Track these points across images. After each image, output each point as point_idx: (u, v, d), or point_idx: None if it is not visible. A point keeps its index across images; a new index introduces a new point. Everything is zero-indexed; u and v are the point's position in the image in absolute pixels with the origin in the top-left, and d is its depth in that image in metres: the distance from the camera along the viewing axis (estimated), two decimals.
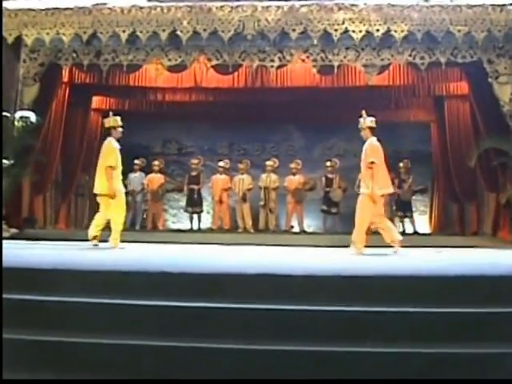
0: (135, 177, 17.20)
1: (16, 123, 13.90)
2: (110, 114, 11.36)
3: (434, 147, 18.32)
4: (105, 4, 14.29)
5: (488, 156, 14.24)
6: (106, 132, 11.23)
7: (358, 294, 5.46)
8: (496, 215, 14.46)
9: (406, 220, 16.94)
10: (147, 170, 17.45)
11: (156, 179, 17.31)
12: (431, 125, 18.52)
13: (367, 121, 10.97)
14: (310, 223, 17.90)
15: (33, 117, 13.91)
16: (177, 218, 19.17)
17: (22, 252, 9.12)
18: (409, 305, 5.26)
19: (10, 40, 14.28)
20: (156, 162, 17.45)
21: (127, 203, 17.52)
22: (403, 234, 16.34)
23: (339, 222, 17.02)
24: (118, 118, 10.95)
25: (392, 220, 17.70)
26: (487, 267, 7.28)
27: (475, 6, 13.51)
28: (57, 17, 14.16)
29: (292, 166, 17.08)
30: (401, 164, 16.94)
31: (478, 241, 13.51)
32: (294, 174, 17.00)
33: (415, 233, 16.56)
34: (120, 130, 10.89)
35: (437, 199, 18.14)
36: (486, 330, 5.06)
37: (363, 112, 10.91)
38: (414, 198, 17.34)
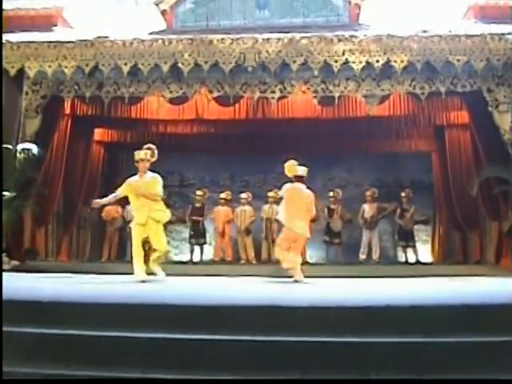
0: None
1: (18, 155, 13.90)
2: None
3: (435, 176, 18.30)
4: (107, 37, 14.35)
5: (489, 184, 14.20)
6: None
7: (363, 325, 5.40)
8: (498, 244, 14.39)
9: (409, 250, 16.84)
10: None
11: None
12: (432, 154, 18.52)
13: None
14: (313, 254, 17.80)
15: (35, 149, 13.91)
16: (179, 249, 19.06)
17: (24, 284, 9.05)
18: (410, 335, 5.21)
19: (12, 72, 14.33)
20: None
21: (127, 234, 17.58)
22: (406, 263, 16.34)
23: (341, 252, 16.97)
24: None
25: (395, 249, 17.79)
26: (487, 296, 7.21)
27: (474, 35, 13.55)
28: (59, 49, 14.21)
29: None
30: (402, 194, 16.92)
31: (481, 269, 13.42)
32: None
33: (418, 262, 16.47)
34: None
35: (439, 228, 18.09)
36: (487, 359, 5.00)
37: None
38: (416, 227, 17.25)
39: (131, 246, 10.72)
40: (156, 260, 10.76)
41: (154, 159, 11.05)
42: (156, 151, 11.06)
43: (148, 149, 11.05)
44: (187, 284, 9.93)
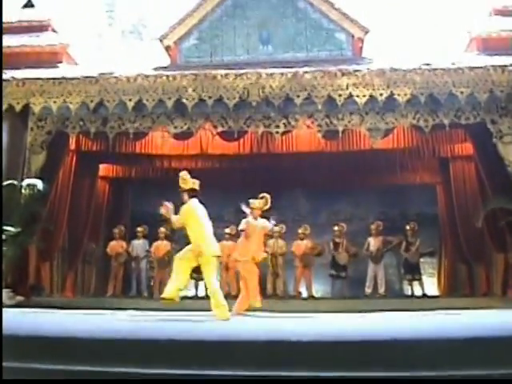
0: (138, 243, 17.22)
1: (23, 191, 13.91)
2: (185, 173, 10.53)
3: (440, 209, 18.25)
4: (111, 73, 14.43)
5: (495, 216, 14.15)
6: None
7: (369, 359, 5.35)
8: (505, 275, 14.33)
9: (415, 283, 16.75)
10: (154, 236, 17.38)
11: (162, 246, 17.25)
12: (437, 186, 18.49)
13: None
14: (319, 288, 17.72)
15: (40, 184, 13.91)
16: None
17: (29, 320, 9.01)
18: (418, 369, 5.14)
19: (17, 108, 14.42)
20: (162, 229, 17.35)
21: (131, 270, 17.53)
22: (412, 297, 16.24)
23: (347, 286, 16.89)
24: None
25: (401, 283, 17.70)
26: (496, 328, 7.14)
27: (477, 67, 13.59)
28: (64, 86, 14.29)
29: (300, 230, 17.00)
30: (407, 227, 16.87)
31: (488, 302, 13.31)
32: (301, 239, 16.92)
33: (424, 295, 16.37)
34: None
35: (445, 261, 17.99)
36: None
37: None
38: (422, 260, 17.16)
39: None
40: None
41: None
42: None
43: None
44: (193, 319, 9.86)
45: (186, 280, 10.10)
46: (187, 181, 10.25)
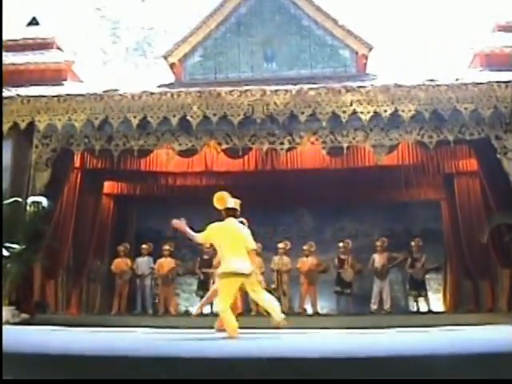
0: (143, 261, 17.19)
1: (28, 208, 13.92)
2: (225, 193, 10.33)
3: (445, 225, 18.18)
4: (116, 90, 14.47)
5: (500, 232, 14.11)
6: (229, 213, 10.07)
7: (374, 375, 5.32)
8: (510, 291, 14.28)
9: (420, 299, 16.73)
10: (158, 254, 17.37)
11: (166, 263, 17.20)
12: (442, 202, 18.46)
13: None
14: (324, 305, 17.69)
15: (44, 202, 13.92)
16: (189, 301, 18.98)
17: (33, 337, 8.99)
18: None
19: (22, 126, 14.46)
20: (166, 247, 17.34)
21: (136, 287, 17.51)
22: (418, 313, 16.20)
23: (352, 303, 16.85)
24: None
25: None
26: (501, 344, 7.11)
27: (481, 83, 13.61)
28: (69, 103, 14.33)
29: (305, 247, 16.97)
30: (412, 243, 16.84)
31: (493, 318, 13.25)
32: (306, 256, 16.89)
33: (430, 312, 16.34)
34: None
35: (450, 277, 17.92)
36: None
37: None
38: (427, 276, 17.13)
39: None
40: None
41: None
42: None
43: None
44: (198, 336, 9.83)
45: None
46: (222, 200, 10.20)
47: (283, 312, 15.22)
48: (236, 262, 9.35)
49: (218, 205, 10.08)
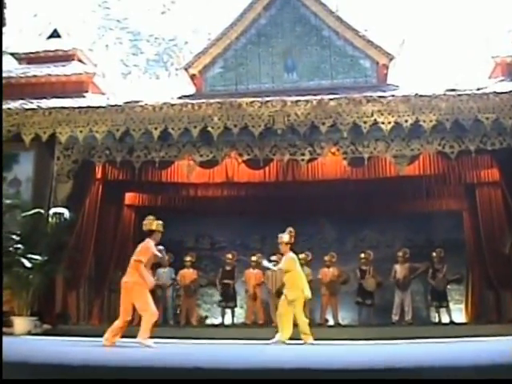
0: (164, 272, 17.14)
1: (50, 219, 14.01)
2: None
3: (467, 235, 18.02)
4: (137, 102, 14.53)
5: None
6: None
7: None
8: None
9: (442, 310, 16.61)
10: (179, 265, 17.36)
11: (188, 274, 17.18)
12: (463, 213, 18.29)
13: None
14: (345, 316, 17.63)
15: (66, 213, 14.02)
16: (211, 312, 18.97)
17: (55, 348, 9.03)
18: None
19: (44, 138, 14.59)
20: (188, 258, 17.33)
21: (157, 298, 17.51)
22: (439, 324, 16.09)
23: (374, 313, 16.77)
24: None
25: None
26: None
27: (502, 93, 13.58)
28: (90, 115, 14.44)
29: (326, 258, 16.90)
30: (434, 253, 16.72)
31: None
32: (328, 267, 16.82)
33: (451, 323, 16.22)
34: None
35: (472, 288, 17.75)
36: None
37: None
38: (448, 287, 17.02)
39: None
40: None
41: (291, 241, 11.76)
42: (293, 233, 11.80)
43: (290, 232, 11.78)
44: (218, 347, 9.84)
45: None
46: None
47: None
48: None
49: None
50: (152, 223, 10.44)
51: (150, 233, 10.37)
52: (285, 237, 11.62)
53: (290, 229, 11.64)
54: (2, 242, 12.77)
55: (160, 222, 10.50)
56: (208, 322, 18.73)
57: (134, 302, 9.88)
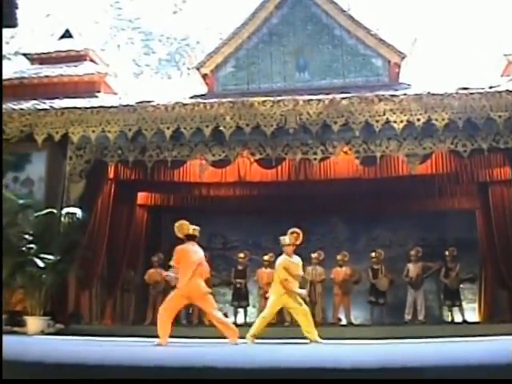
0: None
1: (62, 219, 14.05)
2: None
3: (479, 234, 17.92)
4: (149, 102, 14.56)
5: None
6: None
7: None
8: None
9: (455, 309, 16.56)
10: None
11: None
12: (476, 211, 18.21)
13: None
14: (357, 315, 17.62)
15: (79, 213, 14.05)
16: (223, 312, 18.95)
17: (68, 348, 9.04)
18: None
19: (56, 138, 14.64)
20: None
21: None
22: (452, 323, 16.04)
23: (386, 313, 16.75)
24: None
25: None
26: None
27: None
28: (102, 115, 14.48)
29: (339, 257, 16.88)
30: (446, 252, 16.68)
31: None
32: (340, 266, 16.81)
33: (464, 322, 16.17)
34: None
35: (485, 287, 17.67)
36: None
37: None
38: (462, 286, 16.98)
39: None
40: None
41: (298, 243, 11.53)
42: (301, 235, 11.51)
43: (292, 233, 11.48)
44: (230, 347, 9.83)
45: None
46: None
47: (316, 322, 15.28)
48: None
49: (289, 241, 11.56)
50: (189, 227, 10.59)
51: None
52: (286, 238, 11.47)
53: (294, 229, 11.48)
54: (2, 237, 12.80)
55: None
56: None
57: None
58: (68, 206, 14.43)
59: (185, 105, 14.41)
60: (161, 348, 9.26)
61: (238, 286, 17.17)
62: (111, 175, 15.95)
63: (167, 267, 17.50)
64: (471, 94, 13.59)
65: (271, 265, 16.60)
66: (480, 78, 15.62)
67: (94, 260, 15.29)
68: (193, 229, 10.67)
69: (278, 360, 6.93)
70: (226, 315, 18.31)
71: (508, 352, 7.34)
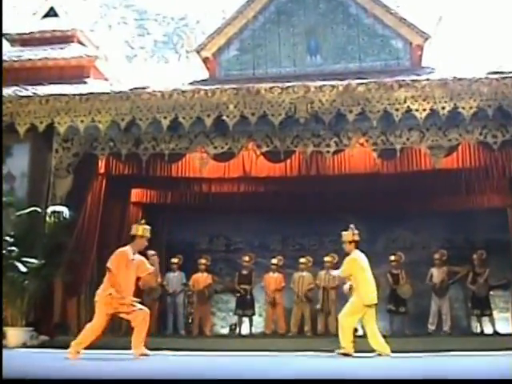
0: (174, 276, 17.16)
1: (47, 219, 14.05)
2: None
3: None
4: (144, 88, 14.53)
5: None
6: None
7: None
8: None
9: (484, 319, 16.50)
10: (191, 268, 17.35)
11: (202, 279, 17.17)
12: (508, 210, 18.12)
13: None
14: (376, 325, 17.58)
15: (66, 212, 14.05)
16: (226, 321, 18.95)
17: (52, 363, 9.06)
18: None
19: (41, 128, 14.62)
20: (202, 261, 17.32)
21: (166, 305, 17.43)
22: (481, 334, 15.99)
23: (408, 322, 16.72)
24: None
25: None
26: None
27: None
28: (92, 103, 14.45)
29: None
30: (474, 256, 16.61)
31: None
32: None
33: (495, 333, 16.13)
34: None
35: None
36: None
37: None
38: (492, 293, 16.91)
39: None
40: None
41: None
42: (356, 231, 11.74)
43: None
44: (235, 359, 9.85)
45: None
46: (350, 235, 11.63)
47: (330, 332, 15.30)
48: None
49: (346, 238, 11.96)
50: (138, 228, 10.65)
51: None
52: (346, 234, 11.67)
53: (352, 225, 11.59)
54: (2, 237, 12.84)
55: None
56: (223, 331, 18.72)
57: None
58: (54, 205, 14.44)
59: (183, 92, 14.39)
60: (156, 362, 9.27)
61: (243, 292, 17.16)
62: (102, 170, 15.90)
63: (163, 271, 17.60)
64: (502, 78, 13.52)
65: (279, 269, 16.60)
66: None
67: (83, 264, 15.25)
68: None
69: (288, 373, 6.94)
70: (232, 326, 18.38)
71: None
